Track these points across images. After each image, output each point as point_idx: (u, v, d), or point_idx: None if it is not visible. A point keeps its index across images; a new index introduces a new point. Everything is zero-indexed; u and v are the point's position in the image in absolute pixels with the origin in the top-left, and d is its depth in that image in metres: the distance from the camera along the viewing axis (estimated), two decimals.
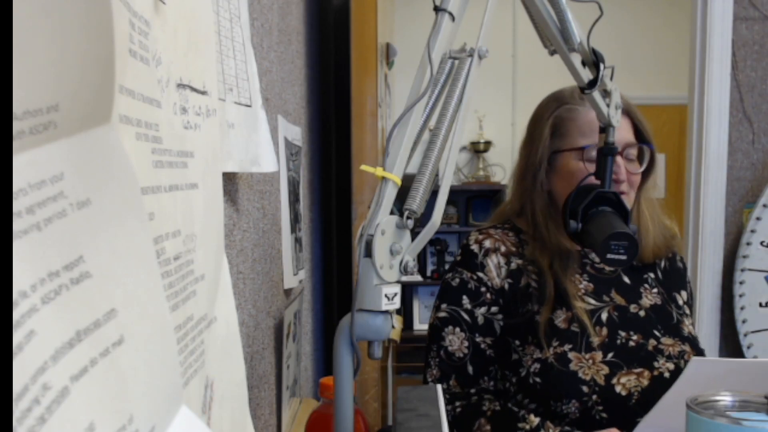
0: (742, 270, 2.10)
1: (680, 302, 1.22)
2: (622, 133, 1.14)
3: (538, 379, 1.08)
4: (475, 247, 1.19)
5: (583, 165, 1.14)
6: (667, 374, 1.09)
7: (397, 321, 3.05)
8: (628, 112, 1.16)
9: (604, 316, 1.13)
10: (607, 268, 1.19)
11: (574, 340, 1.09)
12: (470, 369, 1.14)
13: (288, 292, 1.25)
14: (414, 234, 0.71)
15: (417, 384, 1.18)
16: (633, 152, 1.17)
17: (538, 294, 1.13)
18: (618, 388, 1.07)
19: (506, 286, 1.16)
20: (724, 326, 2.16)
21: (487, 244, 1.18)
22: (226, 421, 0.62)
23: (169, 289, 0.45)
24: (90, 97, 0.33)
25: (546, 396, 1.07)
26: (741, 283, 2.10)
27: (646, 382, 1.08)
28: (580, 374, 1.06)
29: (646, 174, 1.20)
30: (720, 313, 2.16)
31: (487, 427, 1.07)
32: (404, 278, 0.71)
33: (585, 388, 1.06)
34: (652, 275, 1.22)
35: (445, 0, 0.76)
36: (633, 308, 1.16)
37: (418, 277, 4.28)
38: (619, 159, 1.14)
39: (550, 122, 1.19)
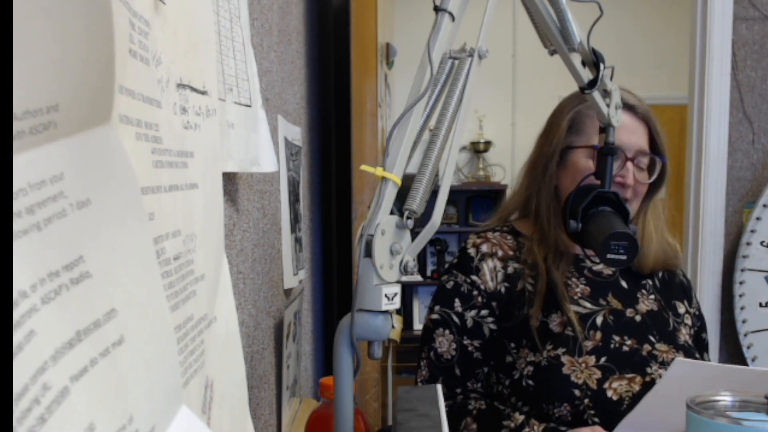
0: (742, 270, 2.10)
1: (680, 311, 1.21)
2: (637, 139, 1.14)
3: (530, 382, 1.08)
4: (471, 251, 1.19)
5: (592, 164, 1.13)
6: (658, 380, 1.08)
7: (397, 321, 3.04)
8: (647, 120, 1.16)
9: (599, 320, 1.12)
10: (605, 272, 1.19)
11: (567, 343, 1.08)
12: (457, 371, 1.15)
13: (288, 292, 1.25)
14: (414, 234, 0.71)
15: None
16: (644, 161, 1.16)
17: (534, 297, 1.13)
18: (609, 393, 1.06)
19: (502, 289, 1.15)
20: (724, 326, 2.16)
21: (484, 248, 1.19)
22: (226, 421, 0.62)
23: (169, 289, 0.45)
24: (90, 97, 0.33)
25: (538, 399, 1.07)
26: (741, 283, 2.10)
27: (637, 388, 1.07)
28: (573, 378, 1.06)
29: (655, 186, 1.20)
30: (720, 313, 2.16)
31: (474, 426, 1.08)
32: (404, 278, 0.71)
33: (577, 392, 1.05)
34: (650, 282, 1.22)
35: (445, 0, 0.76)
36: (629, 312, 1.15)
37: (418, 277, 4.28)
38: (629, 164, 1.14)
39: (569, 116, 1.18)
